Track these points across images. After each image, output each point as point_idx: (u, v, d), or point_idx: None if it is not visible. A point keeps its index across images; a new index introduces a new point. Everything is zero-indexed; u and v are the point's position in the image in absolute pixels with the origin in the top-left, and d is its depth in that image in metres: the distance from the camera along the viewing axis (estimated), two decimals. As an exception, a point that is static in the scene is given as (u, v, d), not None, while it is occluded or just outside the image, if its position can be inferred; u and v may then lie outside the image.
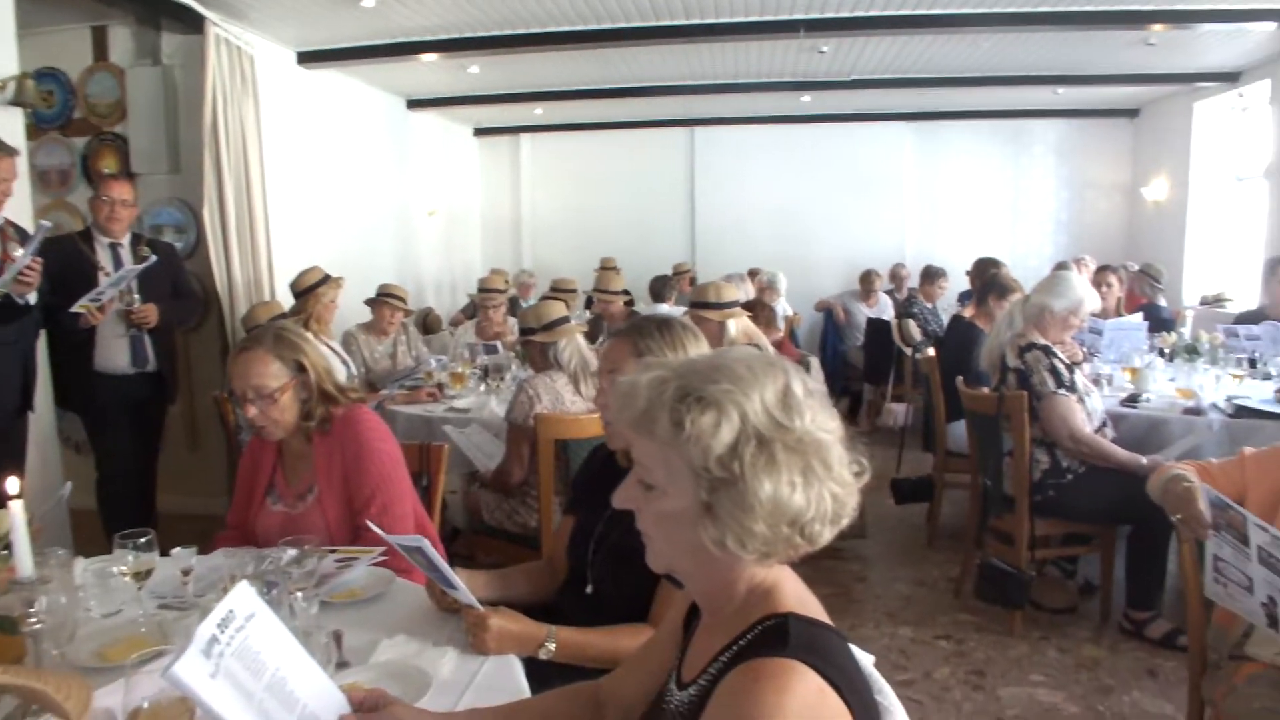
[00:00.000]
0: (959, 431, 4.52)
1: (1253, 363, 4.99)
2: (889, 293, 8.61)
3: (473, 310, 7.33)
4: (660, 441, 1.12)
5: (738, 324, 4.05)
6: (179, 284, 4.56)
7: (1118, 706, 3.28)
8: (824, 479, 1.11)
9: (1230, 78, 8.01)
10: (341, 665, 1.70)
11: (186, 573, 2.02)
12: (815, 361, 4.61)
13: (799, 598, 1.17)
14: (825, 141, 10.10)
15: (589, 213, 10.46)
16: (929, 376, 4.79)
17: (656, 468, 1.14)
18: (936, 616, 4.03)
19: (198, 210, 5.32)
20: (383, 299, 5.45)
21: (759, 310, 4.73)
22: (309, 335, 2.76)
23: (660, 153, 10.41)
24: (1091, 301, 3.81)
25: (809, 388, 1.16)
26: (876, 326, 7.49)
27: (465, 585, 1.83)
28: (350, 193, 7.25)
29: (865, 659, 1.33)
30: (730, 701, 1.04)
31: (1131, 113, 10.00)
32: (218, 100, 5.18)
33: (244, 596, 1.18)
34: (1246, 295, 7.47)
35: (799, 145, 10.12)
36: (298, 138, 6.29)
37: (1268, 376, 4.67)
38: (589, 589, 2.05)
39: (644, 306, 7.38)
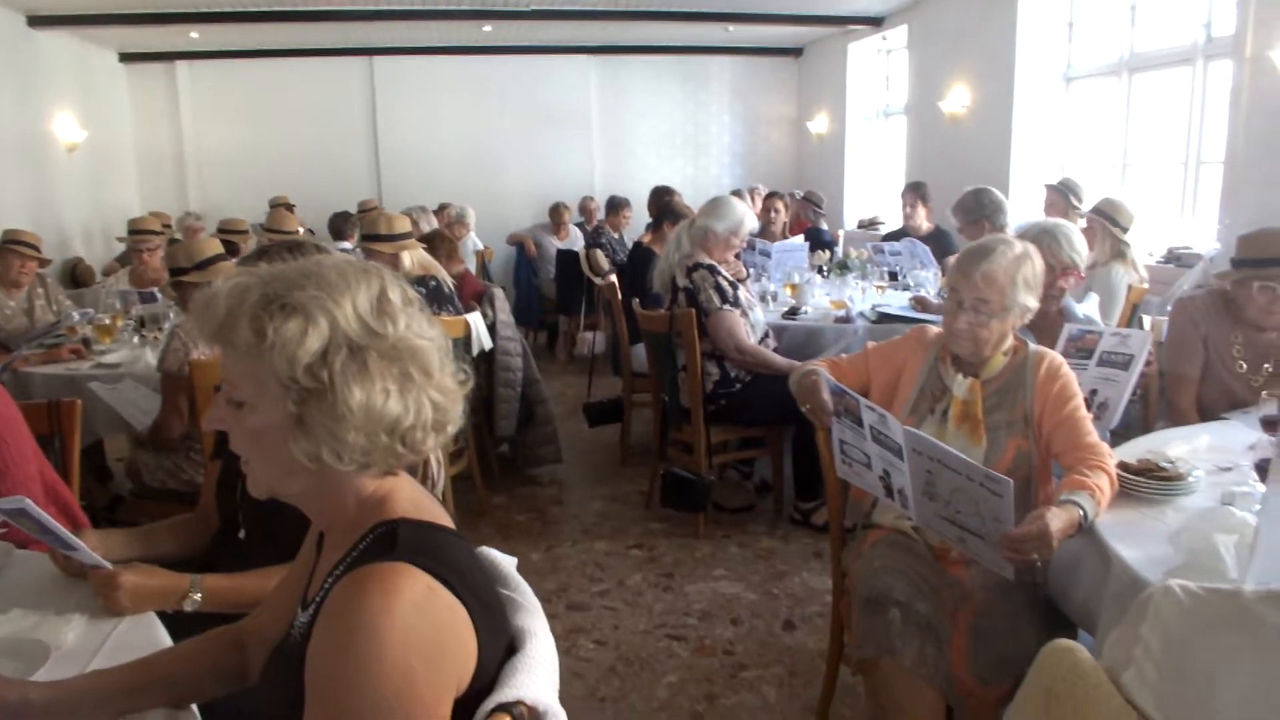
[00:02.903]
0: (643, 353, 4.72)
1: (894, 275, 5.62)
2: (580, 225, 8.76)
3: (128, 257, 6.58)
4: (242, 352, 1.05)
5: (413, 256, 3.93)
6: None
7: (790, 587, 3.62)
8: (423, 386, 1.10)
9: (876, 22, 8.84)
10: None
11: None
12: (500, 293, 4.59)
13: (415, 503, 1.15)
14: (512, 75, 10.02)
15: (263, 148, 9.68)
16: (611, 303, 4.94)
17: (242, 382, 1.07)
18: (629, 528, 4.23)
19: None
20: (9, 247, 4.74)
21: (439, 243, 4.62)
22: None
23: (338, 84, 9.83)
24: (751, 222, 4.08)
25: (408, 295, 1.13)
26: (566, 258, 7.61)
27: (89, 545, 1.65)
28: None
29: (505, 561, 1.34)
30: (337, 610, 1.01)
31: (796, 52, 10.78)
32: None
33: None
34: (896, 218, 8.38)
35: (485, 78, 9.96)
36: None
37: (907, 287, 5.27)
38: (241, 534, 1.92)
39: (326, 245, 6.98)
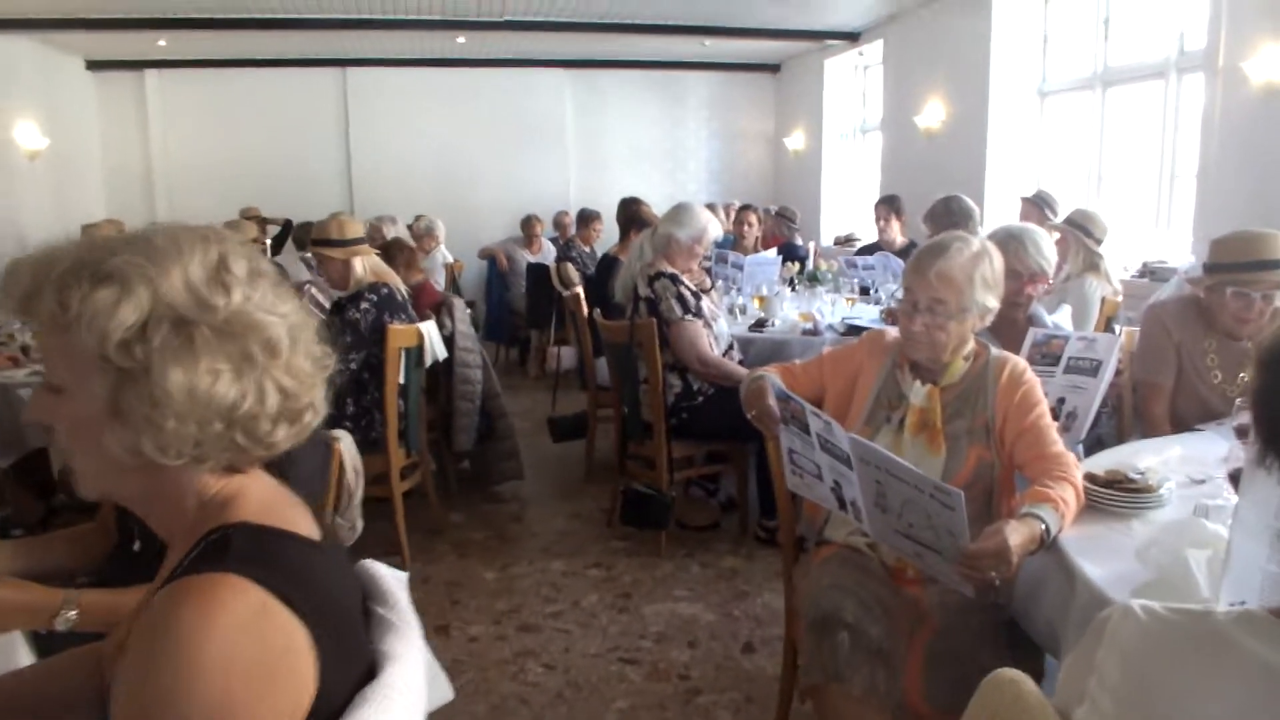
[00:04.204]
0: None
1: (865, 290, 5.52)
2: (554, 239, 8.63)
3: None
4: (49, 327, 0.91)
5: (365, 262, 3.78)
6: None
7: (751, 609, 3.47)
8: (267, 368, 0.95)
9: (852, 37, 8.80)
10: None
11: None
12: (460, 304, 4.44)
13: (266, 506, 1.00)
14: (486, 87, 9.91)
15: (233, 159, 9.50)
16: (575, 314, 4.80)
17: (57, 363, 0.94)
18: (589, 547, 4.07)
19: None
20: (-50, 252, 4.57)
21: (397, 251, 4.48)
22: None
23: (311, 94, 9.69)
24: (715, 230, 3.95)
25: (258, 267, 0.99)
26: (536, 272, 7.47)
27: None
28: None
29: (390, 576, 1.19)
30: (149, 627, 0.86)
31: (774, 68, 10.74)
32: None
33: None
34: (872, 234, 8.29)
35: (460, 90, 9.85)
36: None
37: (878, 301, 5.16)
38: (136, 546, 1.76)
39: (292, 255, 6.85)
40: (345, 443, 1.97)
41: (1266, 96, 4.59)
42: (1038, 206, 5.10)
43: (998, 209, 6.46)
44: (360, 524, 2.08)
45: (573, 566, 3.87)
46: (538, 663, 3.08)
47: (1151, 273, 5.29)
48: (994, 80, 6.80)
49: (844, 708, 1.77)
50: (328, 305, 4.10)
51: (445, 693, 1.28)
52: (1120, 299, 4.29)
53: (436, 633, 3.29)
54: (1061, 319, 3.29)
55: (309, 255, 6.19)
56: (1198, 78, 5.19)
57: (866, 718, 1.77)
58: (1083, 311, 4.11)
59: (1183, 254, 5.27)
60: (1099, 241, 4.30)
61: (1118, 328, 3.25)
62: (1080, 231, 4.28)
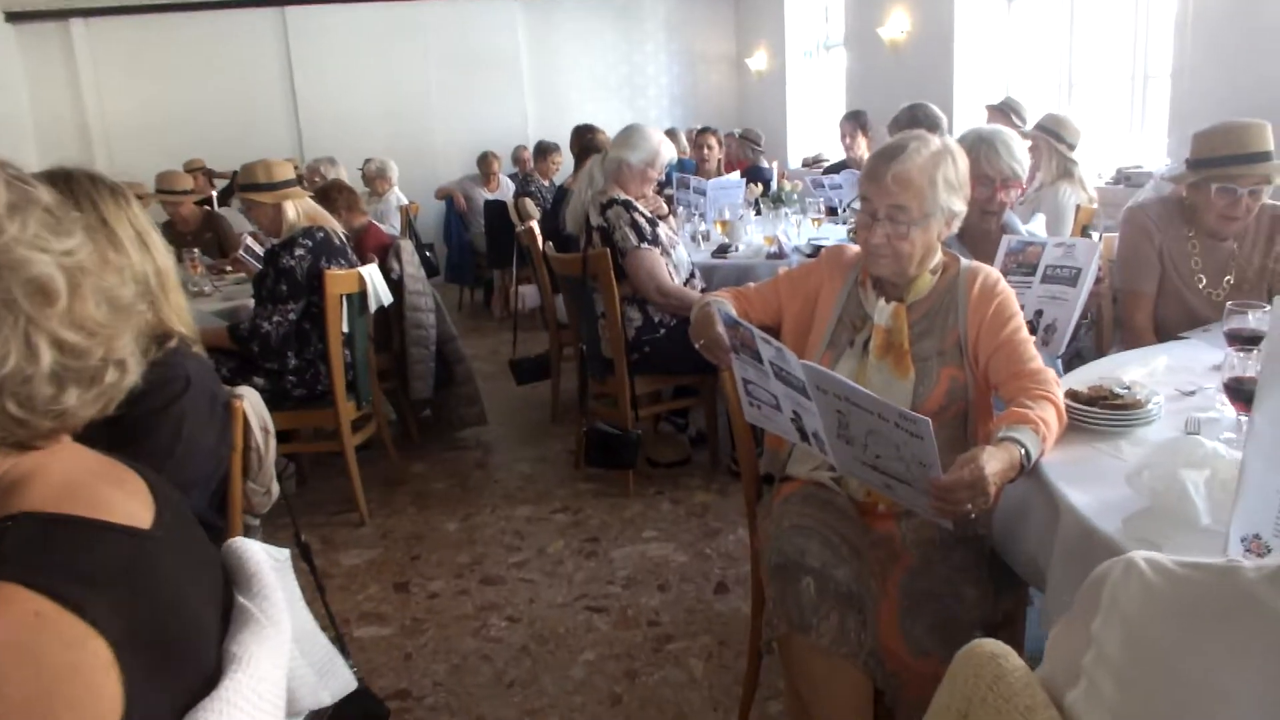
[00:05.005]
0: (568, 302, 4.38)
1: (833, 210, 5.31)
2: (513, 176, 8.33)
3: None
4: None
5: (298, 206, 3.53)
6: None
7: (723, 546, 3.34)
8: (35, 318, 0.75)
9: (810, -53, 8.43)
10: None
11: None
12: (409, 246, 4.20)
13: (64, 487, 0.80)
14: (434, 21, 9.48)
15: (173, 110, 9.10)
16: (532, 250, 4.58)
17: None
18: (555, 491, 3.91)
19: None
20: None
21: (337, 194, 4.21)
22: None
23: (251, 38, 9.25)
24: (669, 152, 3.72)
25: (30, 195, 0.78)
26: (494, 209, 7.19)
27: None
28: None
29: (262, 557, 1.00)
30: None
31: (732, -14, 10.35)
32: None
33: None
34: (840, 153, 8.04)
35: (407, 26, 9.42)
36: None
37: (846, 221, 4.95)
38: None
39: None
40: (250, 399, 1.77)
41: (1242, -12, 4.36)
42: (1005, 114, 4.89)
43: (967, 120, 6.22)
44: (277, 488, 1.89)
45: (538, 512, 3.71)
46: (501, 616, 2.94)
47: (1126, 178, 5.11)
48: (959, -15, 6.52)
49: (811, 660, 1.62)
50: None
51: (346, 683, 1.12)
52: (1096, 206, 4.11)
53: (396, 590, 3.14)
54: (1035, 228, 3.11)
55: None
56: (1170, -29, 4.95)
57: (837, 668, 1.61)
58: (1057, 220, 3.94)
59: (1158, 158, 5.08)
60: (1072, 147, 4.11)
61: (1095, 235, 3.07)
62: (1052, 137, 4.09)
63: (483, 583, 3.17)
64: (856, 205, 4.87)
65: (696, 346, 1.92)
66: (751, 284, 2.19)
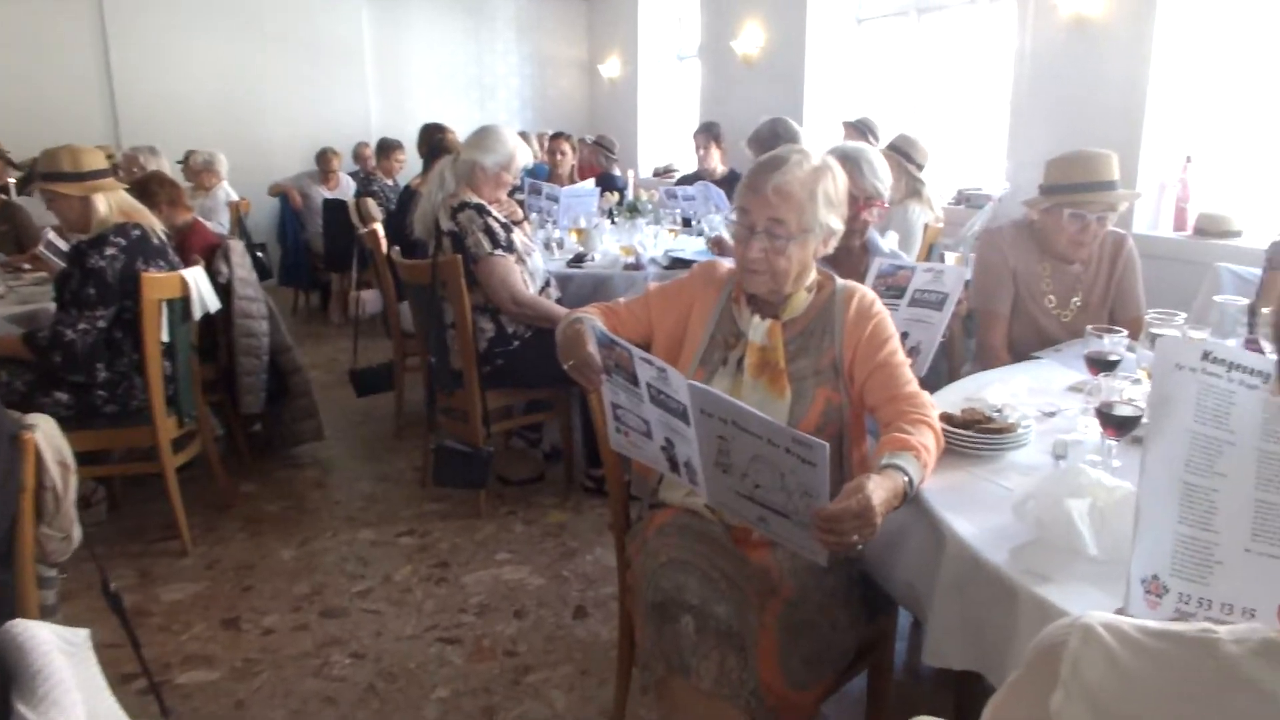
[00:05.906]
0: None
1: (688, 221, 5.29)
2: (354, 174, 7.92)
3: None
4: None
5: (110, 199, 3.17)
6: None
7: (581, 567, 3.21)
8: None
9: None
10: None
11: None
12: (239, 246, 3.86)
13: None
14: (272, 6, 8.91)
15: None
16: (374, 254, 4.32)
17: None
18: (400, 512, 3.68)
19: None
20: None
21: (157, 187, 3.82)
22: None
23: (61, 15, 8.40)
24: (524, 156, 3.58)
25: None
26: (333, 208, 6.81)
27: None
28: None
29: (51, 641, 0.81)
30: None
31: (584, -9, 10.26)
32: None
33: None
34: (691, 164, 8.08)
35: (241, 9, 8.80)
36: None
37: (701, 233, 4.94)
38: None
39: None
40: (44, 429, 1.50)
41: (1075, 26, 4.62)
42: (860, 132, 5.00)
43: (816, 137, 6.36)
44: (78, 533, 1.62)
45: (383, 535, 3.48)
46: (345, 652, 2.70)
47: (967, 200, 5.33)
48: (811, 5, 6.66)
49: (692, 704, 1.51)
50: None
51: None
52: (941, 225, 4.24)
53: (225, 627, 2.85)
54: (889, 246, 3.15)
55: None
56: (1010, 5, 5.20)
57: (717, 711, 1.52)
58: (907, 238, 4.04)
59: (997, 181, 5.32)
60: (920, 167, 4.23)
61: (946, 254, 3.14)
62: (902, 157, 4.19)
63: (323, 615, 2.92)
64: (711, 218, 4.89)
65: (565, 368, 1.78)
66: (621, 299, 2.08)
